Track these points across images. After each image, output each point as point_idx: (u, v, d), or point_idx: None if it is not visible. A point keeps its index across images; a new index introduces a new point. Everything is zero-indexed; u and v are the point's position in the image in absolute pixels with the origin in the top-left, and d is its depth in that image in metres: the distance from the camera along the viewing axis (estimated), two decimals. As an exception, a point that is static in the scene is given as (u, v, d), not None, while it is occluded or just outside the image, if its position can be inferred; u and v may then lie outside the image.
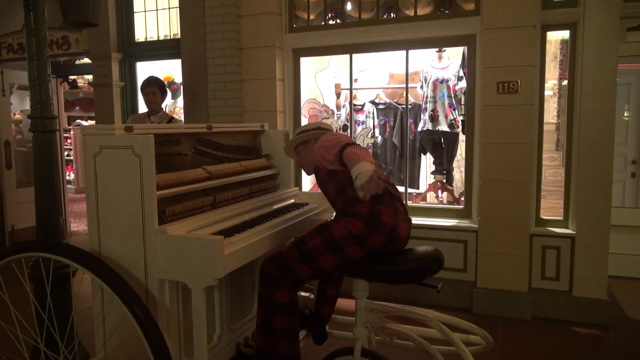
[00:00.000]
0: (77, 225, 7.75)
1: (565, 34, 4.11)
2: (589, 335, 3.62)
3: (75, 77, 7.54)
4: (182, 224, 2.11)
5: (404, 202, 2.44)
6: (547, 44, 4.01)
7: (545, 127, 4.21)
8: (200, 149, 2.58)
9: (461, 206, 4.35)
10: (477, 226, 4.01)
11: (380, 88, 5.31)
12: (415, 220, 4.18)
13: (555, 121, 4.62)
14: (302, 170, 3.04)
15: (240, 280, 2.68)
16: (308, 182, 5.11)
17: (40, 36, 2.41)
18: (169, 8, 5.11)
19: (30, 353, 2.34)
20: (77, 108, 12.98)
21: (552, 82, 4.73)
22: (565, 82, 4.03)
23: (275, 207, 2.77)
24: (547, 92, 4.47)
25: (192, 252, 1.93)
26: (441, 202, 5.06)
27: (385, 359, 2.34)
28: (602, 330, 3.69)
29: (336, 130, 2.76)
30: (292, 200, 3.02)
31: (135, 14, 5.21)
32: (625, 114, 5.09)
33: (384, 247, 2.13)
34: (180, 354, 2.20)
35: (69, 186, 11.31)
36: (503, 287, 3.93)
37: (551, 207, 4.25)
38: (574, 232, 3.84)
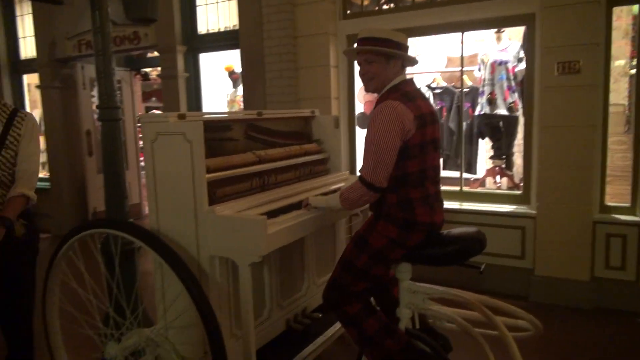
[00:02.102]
0: (151, 209, 8.28)
1: (636, 8, 3.83)
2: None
3: (148, 69, 8.00)
4: (231, 204, 2.23)
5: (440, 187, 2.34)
6: (616, 20, 3.76)
7: (613, 109, 4.00)
8: (251, 134, 2.68)
9: (520, 192, 4.22)
10: (535, 212, 3.89)
11: (437, 72, 5.22)
12: (471, 206, 4.18)
13: (626, 102, 4.34)
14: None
15: (289, 260, 2.79)
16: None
17: (104, 33, 2.63)
18: (229, 0, 5.29)
19: (102, 318, 2.60)
20: (153, 99, 13.74)
21: (623, 61, 4.43)
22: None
23: (322, 190, 2.82)
24: (617, 71, 4.20)
25: (238, 230, 2.05)
26: (499, 188, 4.92)
27: (426, 339, 2.35)
28: (670, 323, 3.49)
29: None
30: (342, 184, 3.05)
31: (197, 7, 5.45)
32: None
33: (424, 241, 2.19)
34: (231, 326, 2.36)
35: (144, 173, 12.11)
36: (562, 276, 3.79)
37: (618, 194, 4.04)
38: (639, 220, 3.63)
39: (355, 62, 4.64)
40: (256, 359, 2.20)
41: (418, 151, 2.15)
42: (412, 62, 2.32)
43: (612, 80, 3.95)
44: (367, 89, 2.31)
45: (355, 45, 2.31)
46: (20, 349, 2.49)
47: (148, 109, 13.47)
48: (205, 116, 2.49)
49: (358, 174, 2.16)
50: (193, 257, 2.18)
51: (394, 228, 2.15)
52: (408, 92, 2.18)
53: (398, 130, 2.07)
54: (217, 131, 2.48)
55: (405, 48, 2.25)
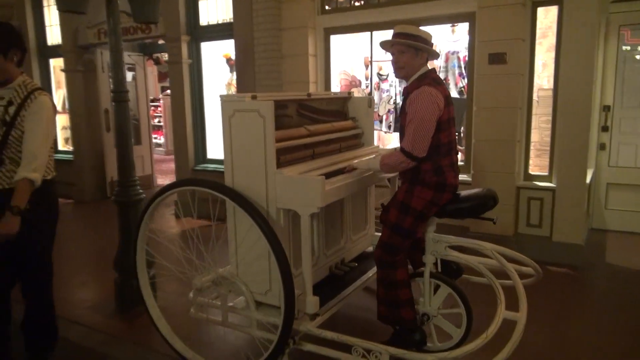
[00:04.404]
0: (163, 180, 9.22)
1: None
2: (562, 274, 4.21)
3: (159, 54, 8.83)
4: (291, 168, 2.66)
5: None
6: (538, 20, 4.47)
7: (544, 93, 4.73)
8: (301, 112, 3.05)
9: (462, 162, 5.00)
10: (471, 179, 4.67)
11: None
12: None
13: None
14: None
15: (332, 219, 3.23)
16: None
17: (117, 34, 3.46)
18: (225, -5, 6.06)
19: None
20: (168, 79, 14.50)
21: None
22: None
23: (359, 160, 3.12)
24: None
25: (301, 187, 2.49)
26: (451, 160, 5.69)
27: (447, 280, 2.76)
28: (574, 270, 4.26)
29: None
30: (373, 156, 3.23)
31: (199, 1, 6.23)
32: None
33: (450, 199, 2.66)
34: (290, 265, 2.67)
35: (159, 149, 13.01)
36: (492, 232, 4.57)
37: (546, 165, 4.77)
38: (555, 186, 4.39)
39: (333, 55, 5.46)
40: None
41: (446, 126, 2.57)
42: (435, 55, 2.73)
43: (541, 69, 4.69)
44: (397, 75, 2.73)
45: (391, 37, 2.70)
46: (41, 315, 2.84)
47: (163, 88, 14.36)
48: (271, 97, 2.78)
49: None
50: (263, 208, 2.61)
51: (429, 191, 2.57)
52: (435, 79, 2.62)
53: (435, 109, 2.48)
54: (278, 109, 2.74)
55: (431, 44, 2.64)
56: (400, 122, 2.68)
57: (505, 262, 2.59)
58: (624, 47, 5.09)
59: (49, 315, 2.91)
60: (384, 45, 2.74)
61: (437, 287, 2.78)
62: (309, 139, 2.90)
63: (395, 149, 2.84)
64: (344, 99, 3.53)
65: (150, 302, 3.07)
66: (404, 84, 6.06)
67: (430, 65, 2.82)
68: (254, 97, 2.59)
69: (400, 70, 2.66)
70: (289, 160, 2.72)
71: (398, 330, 2.75)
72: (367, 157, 3.10)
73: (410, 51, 2.57)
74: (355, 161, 2.93)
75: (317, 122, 3.12)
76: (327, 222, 3.13)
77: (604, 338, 3.19)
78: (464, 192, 2.73)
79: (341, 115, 3.46)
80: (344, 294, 2.95)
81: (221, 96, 2.71)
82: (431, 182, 2.56)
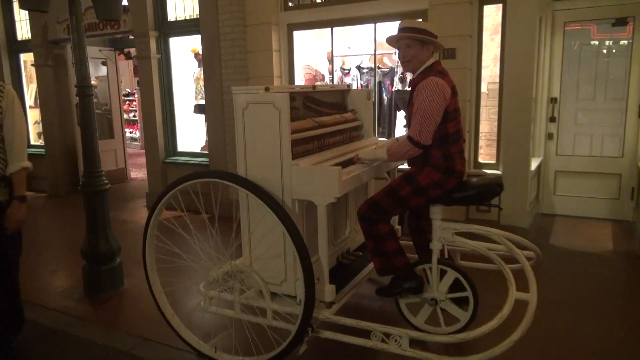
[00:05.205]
0: (136, 174, 9.34)
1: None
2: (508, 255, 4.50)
3: (130, 49, 8.92)
4: (305, 160, 2.70)
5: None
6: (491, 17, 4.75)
7: (494, 87, 5.01)
8: (307, 104, 3.13)
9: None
10: (425, 168, 4.94)
11: (364, 55, 6.20)
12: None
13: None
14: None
15: (338, 210, 3.30)
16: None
17: (79, 31, 3.62)
18: (192, -9, 6.21)
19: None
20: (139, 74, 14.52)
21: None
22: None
23: (364, 150, 3.20)
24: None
25: (318, 178, 2.52)
26: (409, 151, 5.97)
27: (454, 266, 2.85)
28: (519, 251, 4.57)
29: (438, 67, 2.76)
30: (374, 147, 3.40)
31: (167, -3, 6.37)
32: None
33: (457, 185, 2.74)
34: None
35: (135, 143, 13.06)
36: (445, 217, 4.85)
37: (495, 154, 5.08)
38: (501, 173, 4.69)
39: (297, 51, 5.67)
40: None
41: (453, 115, 2.70)
42: (440, 48, 2.84)
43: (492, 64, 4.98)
44: (405, 69, 2.85)
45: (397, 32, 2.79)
46: (8, 298, 2.95)
47: (139, 82, 14.35)
48: (283, 89, 2.88)
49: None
50: (279, 199, 2.62)
51: (438, 173, 2.68)
52: (441, 71, 2.73)
53: (441, 99, 2.60)
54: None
55: (435, 37, 2.74)
56: (407, 113, 2.79)
57: (513, 246, 2.67)
58: (592, 42, 5.35)
59: (16, 300, 3.08)
60: (390, 40, 2.83)
61: (443, 273, 2.87)
62: (318, 131, 2.95)
63: (397, 138, 2.94)
64: (343, 92, 3.60)
65: (165, 305, 3.04)
66: (366, 78, 6.35)
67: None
68: (267, 89, 2.63)
69: (407, 64, 2.77)
70: (301, 151, 2.77)
71: (395, 277, 2.86)
72: (370, 149, 3.21)
73: (416, 44, 2.69)
74: (361, 152, 3.01)
75: (321, 115, 3.19)
76: (335, 213, 3.20)
77: (543, 310, 3.47)
78: (471, 180, 2.81)
79: (341, 108, 3.53)
80: (355, 281, 3.04)
81: (234, 89, 2.73)
82: (441, 166, 2.67)
